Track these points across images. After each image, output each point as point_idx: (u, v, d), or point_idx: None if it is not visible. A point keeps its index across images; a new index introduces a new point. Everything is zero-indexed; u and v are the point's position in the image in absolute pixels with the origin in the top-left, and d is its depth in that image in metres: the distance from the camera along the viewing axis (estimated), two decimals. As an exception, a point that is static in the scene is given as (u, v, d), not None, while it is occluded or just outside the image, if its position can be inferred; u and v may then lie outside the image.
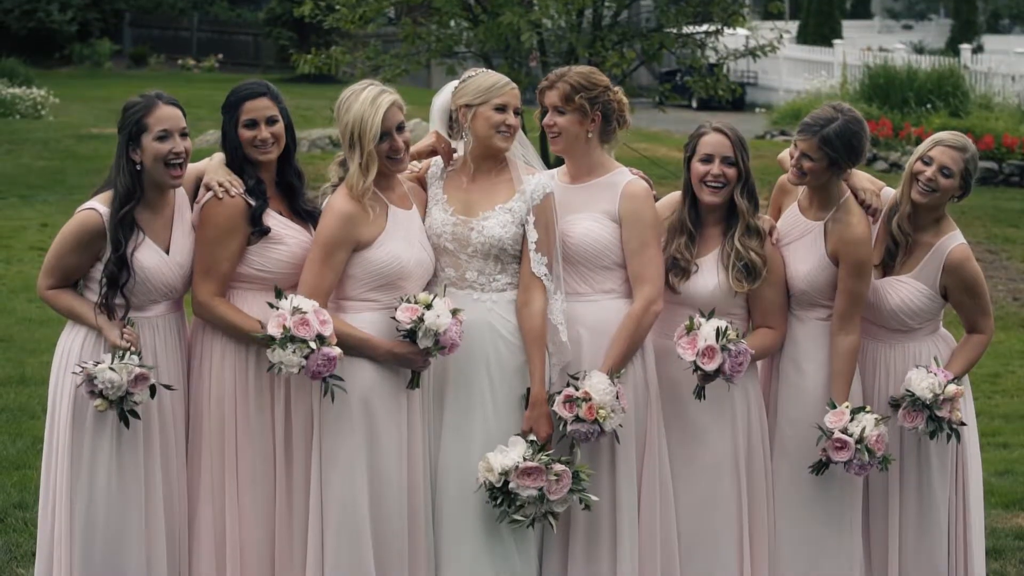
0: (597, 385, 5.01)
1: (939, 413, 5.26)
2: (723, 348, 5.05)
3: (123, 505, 4.95)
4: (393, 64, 15.66)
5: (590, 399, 4.99)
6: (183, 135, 4.98)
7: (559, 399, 5.04)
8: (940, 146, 5.36)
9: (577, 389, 5.02)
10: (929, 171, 5.33)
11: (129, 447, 4.95)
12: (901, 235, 5.40)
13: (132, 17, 38.86)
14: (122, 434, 4.91)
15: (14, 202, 16.17)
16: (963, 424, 5.36)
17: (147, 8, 38.96)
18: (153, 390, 4.90)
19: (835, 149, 5.21)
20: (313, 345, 4.78)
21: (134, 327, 4.95)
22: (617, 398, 5.03)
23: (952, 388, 5.27)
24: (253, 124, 5.05)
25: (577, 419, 5.00)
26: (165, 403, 5.01)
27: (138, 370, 4.84)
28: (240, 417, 5.06)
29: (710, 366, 5.07)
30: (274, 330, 4.81)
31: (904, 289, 5.40)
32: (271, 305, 4.86)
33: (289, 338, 4.79)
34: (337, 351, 4.84)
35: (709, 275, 5.29)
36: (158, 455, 5.01)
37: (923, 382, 5.26)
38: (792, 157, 5.31)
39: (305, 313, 4.81)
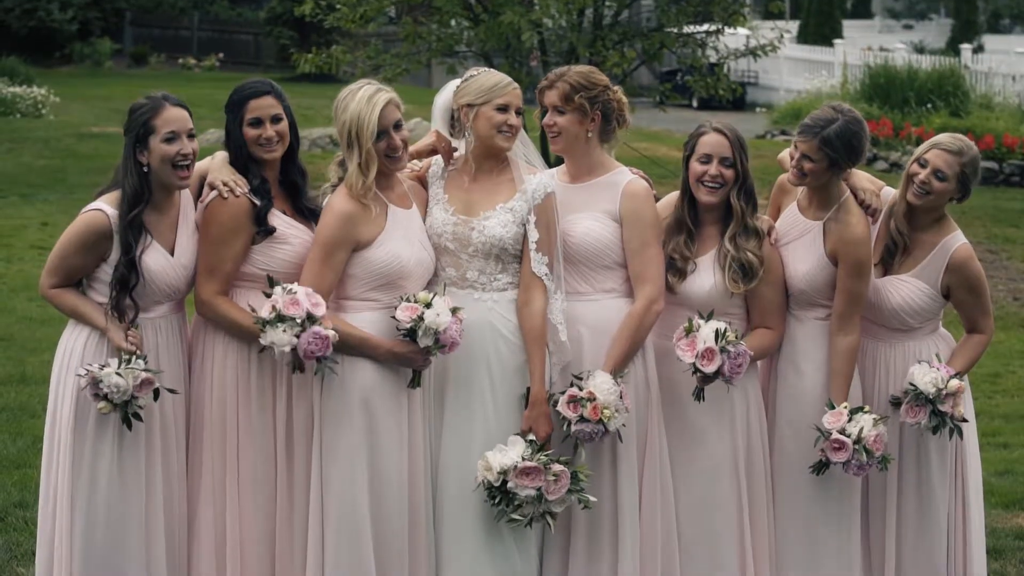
0: (601, 385, 5.01)
1: (942, 408, 5.27)
2: (722, 350, 5.04)
3: (123, 504, 4.95)
4: (394, 63, 15.66)
5: (594, 399, 4.99)
6: (190, 136, 4.98)
7: (563, 399, 5.04)
8: (935, 149, 5.37)
9: (581, 389, 5.03)
10: (923, 174, 5.34)
11: (130, 447, 4.95)
12: (898, 235, 5.41)
13: (133, 16, 38.87)
14: (123, 434, 4.91)
15: (15, 201, 16.19)
16: (964, 420, 5.37)
17: (148, 7, 38.96)
18: (157, 393, 4.90)
19: (835, 150, 5.22)
20: (302, 322, 4.77)
21: (139, 329, 4.96)
22: (621, 398, 5.03)
23: (955, 383, 5.28)
24: (258, 123, 5.05)
25: (582, 419, 5.00)
26: (166, 403, 5.00)
27: (144, 375, 4.84)
28: (241, 417, 5.06)
29: (709, 368, 5.06)
30: (265, 313, 4.81)
31: (905, 288, 5.41)
32: (266, 294, 4.86)
33: (279, 317, 4.79)
34: (331, 333, 4.83)
35: (705, 275, 5.30)
36: (159, 455, 5.01)
37: (926, 376, 5.27)
38: (792, 158, 5.31)
39: (295, 294, 4.81)
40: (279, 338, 4.80)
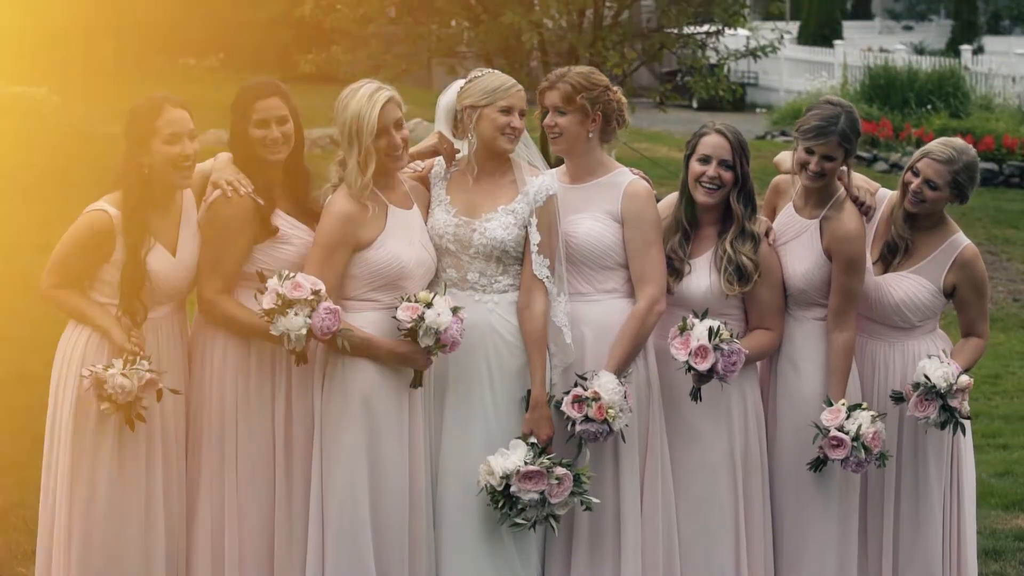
0: (606, 385, 5.02)
1: (951, 403, 5.28)
2: (716, 348, 5.05)
3: (123, 504, 4.95)
4: (394, 63, 15.67)
5: (599, 399, 4.99)
6: (191, 137, 4.98)
7: (568, 399, 5.04)
8: (926, 159, 5.40)
9: (585, 389, 5.02)
10: (916, 183, 5.38)
11: (130, 447, 4.95)
12: (899, 239, 5.44)
13: (133, 16, 38.84)
14: (123, 434, 4.92)
15: (15, 201, 16.17)
16: (968, 417, 5.39)
17: (148, 7, 38.95)
18: (160, 394, 4.90)
19: (850, 142, 5.30)
20: (311, 301, 4.75)
21: (140, 330, 4.95)
22: (625, 397, 5.03)
23: (964, 379, 5.31)
24: (264, 124, 5.05)
25: (586, 419, 5.00)
26: (166, 403, 5.00)
27: (148, 376, 4.84)
28: (241, 416, 5.06)
29: (703, 365, 5.07)
30: (270, 302, 4.79)
31: (907, 283, 5.43)
32: (260, 291, 4.84)
33: (287, 303, 4.77)
34: (335, 307, 4.82)
35: (702, 276, 5.31)
36: (159, 455, 5.02)
37: (937, 371, 5.28)
38: (806, 163, 5.29)
39: (295, 277, 4.80)
40: (293, 323, 4.77)
